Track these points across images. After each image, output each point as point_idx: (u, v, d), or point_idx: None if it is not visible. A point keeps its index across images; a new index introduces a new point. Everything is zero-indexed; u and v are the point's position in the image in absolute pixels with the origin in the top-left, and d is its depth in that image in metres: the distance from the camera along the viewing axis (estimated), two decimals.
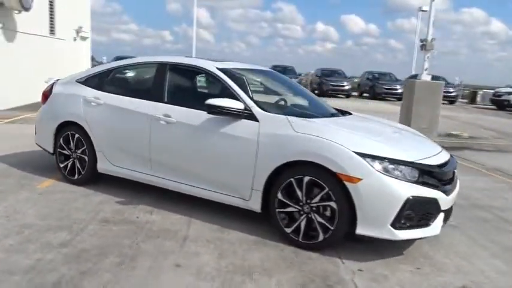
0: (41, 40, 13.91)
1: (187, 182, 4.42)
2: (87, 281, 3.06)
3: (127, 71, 5.29)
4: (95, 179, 5.21)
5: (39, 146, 5.74)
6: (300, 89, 5.61)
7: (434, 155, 3.98)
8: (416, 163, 3.66)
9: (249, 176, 3.98)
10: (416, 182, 3.59)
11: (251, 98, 4.21)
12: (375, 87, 26.48)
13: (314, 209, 3.71)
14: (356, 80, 31.95)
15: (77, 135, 5.18)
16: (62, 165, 5.35)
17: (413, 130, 4.93)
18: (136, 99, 4.76)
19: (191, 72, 4.76)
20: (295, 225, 3.80)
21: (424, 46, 10.50)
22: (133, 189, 5.01)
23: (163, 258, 3.47)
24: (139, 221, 4.23)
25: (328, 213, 3.66)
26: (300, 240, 3.78)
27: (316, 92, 26.61)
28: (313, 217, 3.72)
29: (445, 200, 3.73)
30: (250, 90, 4.54)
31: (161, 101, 4.61)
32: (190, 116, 4.32)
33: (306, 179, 3.71)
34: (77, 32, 16.97)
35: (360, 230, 3.56)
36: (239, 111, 4.05)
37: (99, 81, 5.21)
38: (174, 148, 4.46)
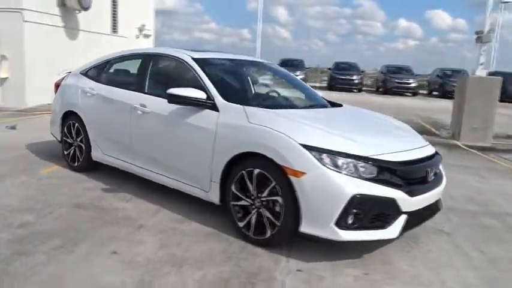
0: (103, 38, 14.81)
1: (159, 171, 4.50)
2: (19, 262, 3.21)
3: (119, 62, 5.46)
4: (92, 166, 5.44)
5: (52, 134, 6.13)
6: (291, 80, 5.42)
7: (404, 151, 3.67)
8: (372, 158, 3.39)
9: (208, 167, 3.95)
10: (373, 179, 3.34)
11: (219, 88, 4.16)
12: (445, 85, 24.53)
13: (264, 203, 3.59)
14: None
15: (76, 124, 5.47)
16: (66, 153, 5.68)
17: (407, 128, 4.58)
18: (123, 89, 4.93)
19: (169, 62, 4.82)
20: (246, 219, 3.71)
21: (479, 38, 9.68)
22: (126, 177, 5.17)
23: (106, 245, 3.55)
24: (110, 208, 4.36)
25: (277, 208, 3.52)
26: (251, 235, 3.68)
27: (380, 89, 25.75)
28: (262, 212, 3.60)
29: (408, 201, 3.43)
30: (229, 81, 4.52)
31: (142, 91, 4.73)
32: (162, 106, 4.37)
33: (256, 171, 3.60)
34: (140, 30, 17.84)
35: (303, 228, 3.39)
36: (201, 101, 4.03)
37: (96, 72, 5.47)
38: (147, 138, 4.56)
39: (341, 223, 3.29)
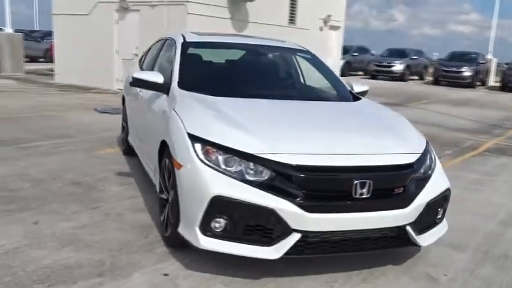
0: (277, 30, 15.58)
1: (143, 158, 4.79)
2: None
3: (151, 49, 5.89)
4: (132, 151, 6.02)
5: None
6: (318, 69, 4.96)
7: (333, 154, 3.08)
8: (259, 157, 2.98)
9: (154, 154, 4.04)
10: (258, 182, 2.95)
11: (184, 74, 4.19)
12: None
13: (172, 197, 3.53)
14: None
15: (125, 109, 6.18)
16: (122, 136, 6.45)
17: (399, 125, 3.81)
18: None
19: (171, 46, 5.00)
20: (163, 214, 3.69)
21: None
22: None
23: (37, 213, 4.06)
24: (95, 189, 4.84)
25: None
26: (164, 232, 3.66)
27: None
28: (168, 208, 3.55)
29: (301, 217, 2.91)
30: (210, 67, 4.52)
31: None
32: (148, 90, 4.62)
33: (166, 162, 3.57)
34: (325, 21, 18.09)
35: (180, 229, 3.22)
36: (157, 85, 4.14)
37: (141, 60, 6.05)
38: (137, 123, 4.89)
39: (206, 228, 3.01)
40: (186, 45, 4.56)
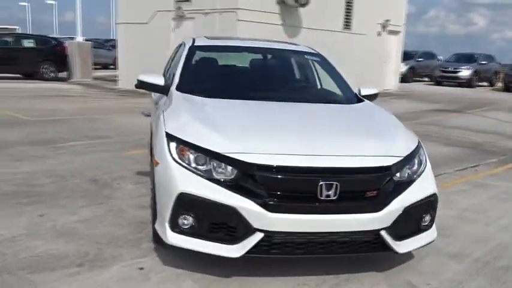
0: (330, 35, 15.45)
1: None
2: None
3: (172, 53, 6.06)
4: None
5: None
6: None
7: (304, 155, 3.06)
8: (226, 156, 3.02)
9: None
10: (228, 182, 3.01)
11: (185, 77, 4.33)
12: None
13: (152, 194, 3.66)
14: None
15: None
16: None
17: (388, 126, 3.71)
18: None
19: (182, 50, 5.11)
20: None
21: None
22: None
23: (46, 207, 4.33)
24: (109, 186, 5.09)
25: None
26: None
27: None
28: None
29: (262, 216, 2.92)
30: (213, 71, 4.64)
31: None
32: None
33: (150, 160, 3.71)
34: (383, 26, 17.70)
35: (156, 224, 3.33)
36: (158, 87, 4.30)
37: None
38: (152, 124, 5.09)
39: (174, 224, 3.09)
40: (193, 49, 4.69)
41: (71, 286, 3.03)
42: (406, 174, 3.31)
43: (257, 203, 2.92)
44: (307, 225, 2.99)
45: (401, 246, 3.23)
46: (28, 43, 17.80)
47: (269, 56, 5.09)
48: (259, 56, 5.07)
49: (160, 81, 4.29)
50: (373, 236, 3.13)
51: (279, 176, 2.98)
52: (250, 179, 2.98)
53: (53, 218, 4.12)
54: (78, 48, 18.40)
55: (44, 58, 17.55)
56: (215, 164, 3.05)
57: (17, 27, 46.20)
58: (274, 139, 3.21)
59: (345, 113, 4.12)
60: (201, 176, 3.04)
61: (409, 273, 3.44)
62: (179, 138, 3.21)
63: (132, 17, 15.78)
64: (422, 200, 3.28)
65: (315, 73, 5.02)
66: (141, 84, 4.37)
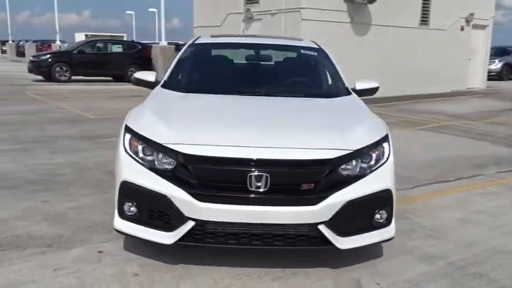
0: (405, 32, 14.87)
1: None
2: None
3: None
4: None
5: None
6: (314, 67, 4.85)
7: (247, 147, 3.07)
8: (164, 146, 3.13)
9: None
10: (166, 172, 3.12)
11: (176, 74, 4.52)
12: None
13: None
14: None
15: None
16: None
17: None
18: None
19: None
20: None
21: None
22: None
23: (54, 194, 4.70)
24: None
25: None
26: None
27: None
28: None
29: (193, 206, 3.00)
30: (204, 68, 4.77)
31: None
32: None
33: None
34: (467, 20, 16.63)
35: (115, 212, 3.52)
36: (149, 83, 4.52)
37: None
38: None
39: (121, 211, 3.26)
40: (191, 46, 4.84)
41: (29, 263, 3.31)
42: (358, 168, 3.19)
43: (188, 192, 3.00)
44: (237, 216, 3.01)
45: (344, 242, 3.12)
46: (117, 48, 19.13)
47: (263, 52, 5.10)
48: (253, 52, 5.10)
49: (151, 77, 4.50)
50: (311, 230, 3.06)
51: (208, 166, 3.03)
52: (184, 169, 3.07)
53: (53, 203, 4.49)
54: (162, 52, 19.39)
55: (131, 62, 18.73)
56: (160, 155, 3.17)
57: (123, 34, 49.79)
58: (217, 131, 3.26)
59: (319, 107, 4.03)
60: (144, 166, 3.17)
61: (363, 272, 3.31)
62: (133, 130, 3.37)
63: (207, 21, 16.36)
64: (370, 195, 3.14)
65: (311, 67, 4.93)
66: (136, 81, 4.62)
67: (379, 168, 3.24)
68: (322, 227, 3.04)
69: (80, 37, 39.38)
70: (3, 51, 47.48)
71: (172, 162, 3.12)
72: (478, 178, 5.91)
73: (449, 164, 6.56)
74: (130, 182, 3.15)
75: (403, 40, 14.78)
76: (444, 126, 9.82)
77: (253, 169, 2.98)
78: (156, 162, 3.16)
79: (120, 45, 19.40)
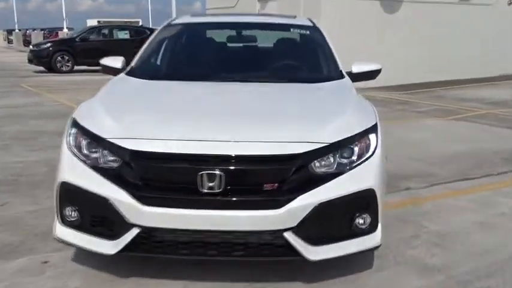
0: (445, 8, 14.35)
1: None
2: None
3: None
4: None
5: None
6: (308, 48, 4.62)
7: (189, 140, 2.89)
8: (111, 142, 2.96)
9: None
10: (110, 171, 2.94)
11: (145, 59, 4.39)
12: None
13: None
14: None
15: None
16: None
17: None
18: None
19: None
20: None
21: None
22: None
23: (18, 196, 4.63)
24: None
25: None
26: None
27: None
28: None
29: (136, 210, 2.82)
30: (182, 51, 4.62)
31: None
32: None
33: None
34: None
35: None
36: (116, 70, 4.39)
37: None
38: None
39: (62, 216, 3.10)
40: (166, 27, 4.69)
41: None
42: (336, 164, 2.95)
43: (131, 195, 2.83)
44: (187, 222, 2.82)
45: (316, 253, 2.89)
46: (124, 34, 19.17)
47: (247, 32, 4.89)
48: (235, 33, 4.89)
49: (118, 64, 4.36)
50: (275, 237, 2.86)
51: (153, 164, 2.86)
52: (129, 167, 2.90)
53: (12, 207, 4.41)
54: None
55: (138, 48, 18.69)
56: (105, 152, 3.01)
57: (138, 19, 50.22)
58: (168, 124, 3.09)
59: (300, 93, 3.79)
60: (87, 164, 3.01)
61: (342, 286, 3.09)
62: (79, 124, 3.20)
63: (220, 2, 16.23)
64: (348, 195, 2.89)
65: (300, 48, 4.70)
66: (103, 69, 4.50)
67: (361, 165, 3.00)
68: (288, 234, 2.83)
69: (92, 23, 39.84)
70: (10, 41, 48.25)
71: (118, 160, 2.96)
72: (508, 175, 5.58)
73: (478, 158, 6.25)
74: (70, 183, 3.00)
75: (441, 18, 14.27)
76: (482, 116, 9.42)
77: (203, 167, 2.78)
78: (100, 160, 3.00)
79: (127, 31, 19.41)
